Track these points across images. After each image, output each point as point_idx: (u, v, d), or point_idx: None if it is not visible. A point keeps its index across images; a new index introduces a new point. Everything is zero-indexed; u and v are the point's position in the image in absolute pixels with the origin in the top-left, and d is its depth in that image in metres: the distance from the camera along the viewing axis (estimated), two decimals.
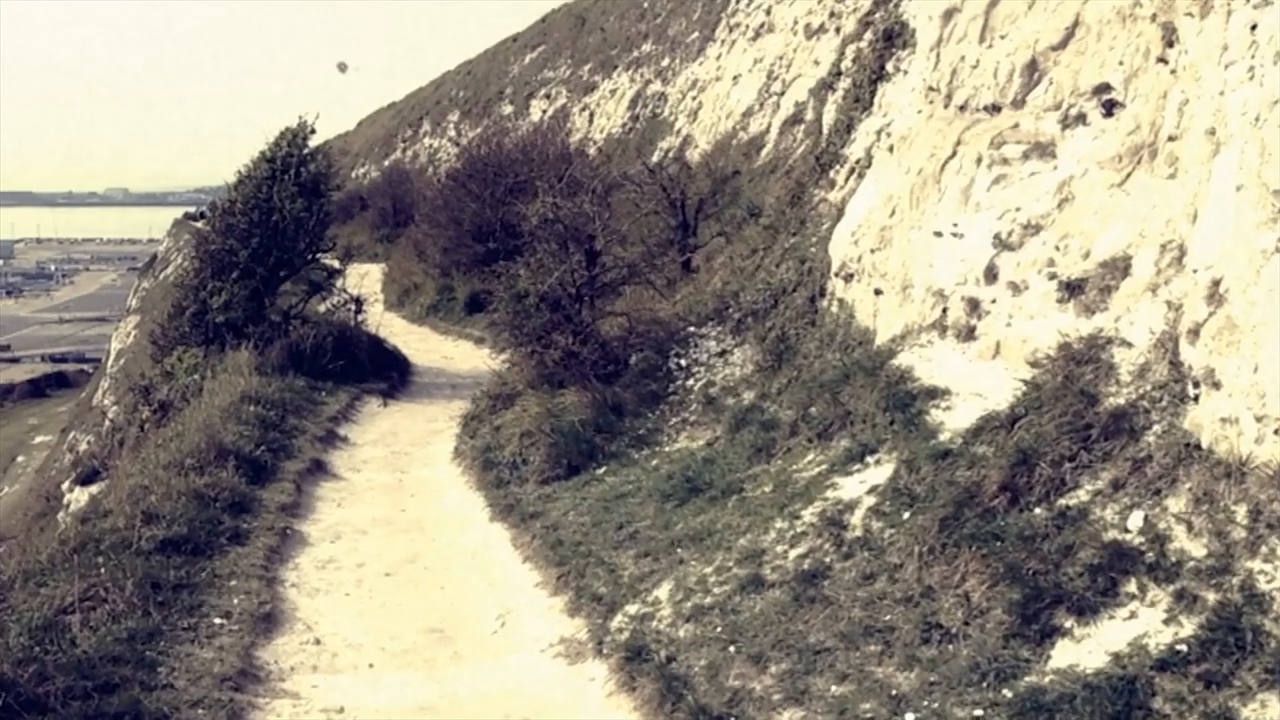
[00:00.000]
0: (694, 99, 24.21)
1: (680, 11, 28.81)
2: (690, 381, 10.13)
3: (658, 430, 9.61)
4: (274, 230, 13.77)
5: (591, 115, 30.48)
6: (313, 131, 13.89)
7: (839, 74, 12.76)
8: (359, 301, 15.27)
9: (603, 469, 9.15)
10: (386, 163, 42.76)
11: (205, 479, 8.69)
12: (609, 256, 10.76)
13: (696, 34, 26.43)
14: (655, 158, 24.98)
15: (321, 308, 15.57)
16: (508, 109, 36.43)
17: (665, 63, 27.78)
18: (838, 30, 18.36)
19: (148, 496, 8.27)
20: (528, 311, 10.22)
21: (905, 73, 10.36)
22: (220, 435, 9.68)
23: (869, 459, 6.69)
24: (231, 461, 9.23)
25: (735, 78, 22.39)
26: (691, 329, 11.09)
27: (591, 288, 10.64)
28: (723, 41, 24.22)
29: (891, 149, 9.12)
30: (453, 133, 39.78)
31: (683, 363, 10.42)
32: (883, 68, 10.66)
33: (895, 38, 10.59)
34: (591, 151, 26.30)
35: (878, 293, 8.58)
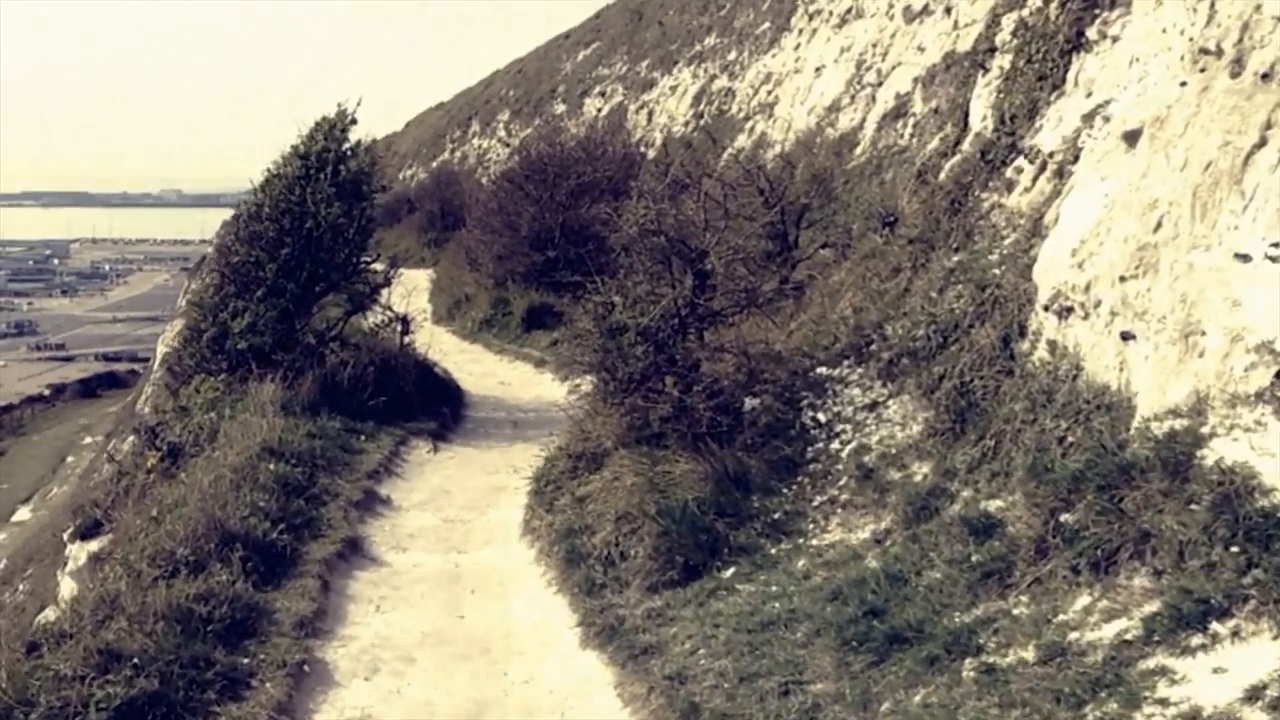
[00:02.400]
0: (769, 93, 21.53)
1: (748, 2, 26.14)
2: (835, 445, 7.50)
3: (799, 513, 7.00)
4: (307, 239, 11.30)
5: (650, 113, 27.89)
6: (353, 122, 11.38)
7: (991, 50, 10.07)
8: (406, 322, 12.74)
9: (730, 570, 6.56)
10: (434, 164, 40.40)
11: (198, 585, 6.20)
12: (721, 277, 8.16)
13: (768, 24, 23.75)
14: (724, 157, 22.41)
15: (366, 323, 13.04)
16: (560, 108, 33.91)
17: (732, 56, 25.13)
18: (948, 11, 15.65)
19: (117, 617, 5.79)
20: (624, 351, 7.63)
21: (1115, 39, 7.68)
22: (226, 514, 7.18)
23: (1218, 626, 4.04)
24: (238, 553, 6.73)
25: (818, 69, 19.69)
26: (822, 370, 8.47)
27: (698, 317, 8.04)
28: (800, 31, 21.53)
29: (1135, 136, 6.45)
30: (503, 133, 37.35)
31: (820, 417, 7.80)
32: (1080, 34, 7.98)
33: None
34: (651, 153, 23.74)
35: (1126, 337, 5.91)
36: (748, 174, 13.00)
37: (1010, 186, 8.17)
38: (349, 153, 11.35)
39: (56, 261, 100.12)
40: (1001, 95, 9.19)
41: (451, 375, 14.15)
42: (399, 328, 12.79)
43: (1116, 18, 7.74)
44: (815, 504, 7.05)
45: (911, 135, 14.69)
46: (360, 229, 11.66)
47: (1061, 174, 7.51)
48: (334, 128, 11.21)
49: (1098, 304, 6.24)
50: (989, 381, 6.95)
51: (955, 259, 8.22)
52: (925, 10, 16.52)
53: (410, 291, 16.03)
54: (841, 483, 7.12)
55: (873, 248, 10.34)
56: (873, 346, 8.37)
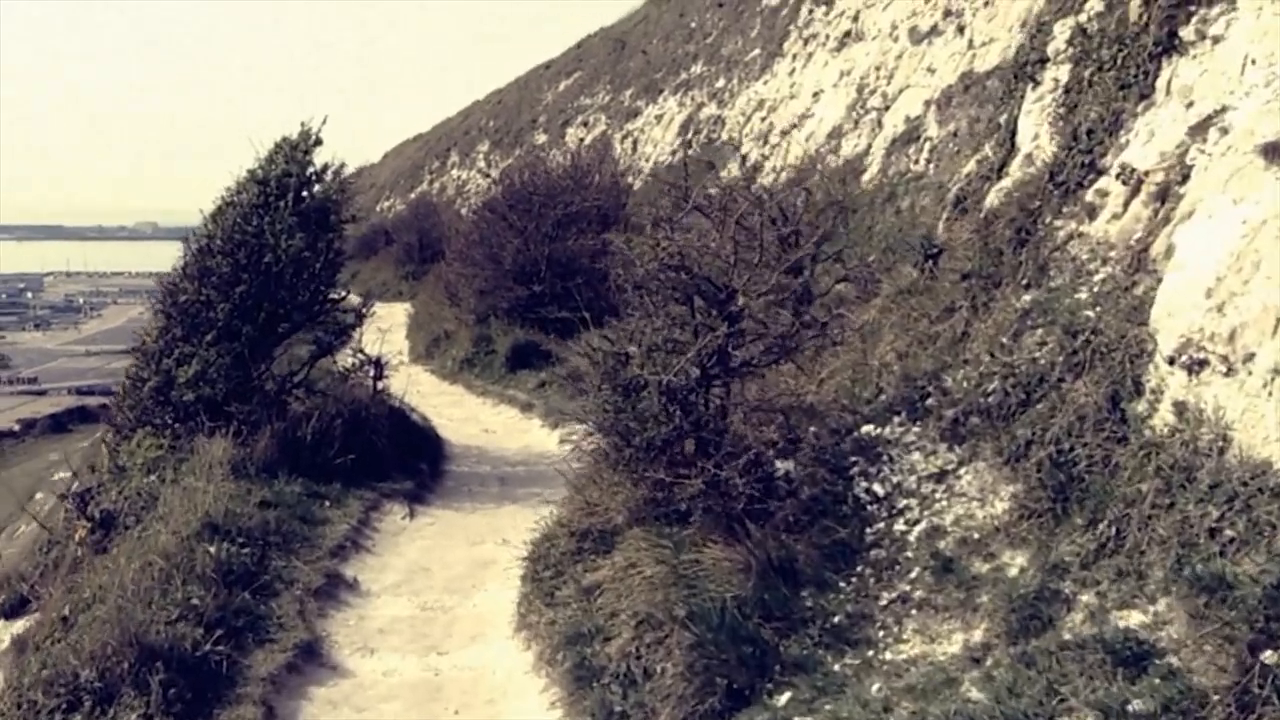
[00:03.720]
0: (762, 120, 20.24)
1: (735, 29, 24.96)
2: (900, 524, 6.04)
3: (864, 616, 5.52)
4: (266, 274, 9.79)
5: (635, 143, 26.61)
6: (318, 143, 9.88)
7: (1042, 62, 8.72)
8: (379, 365, 11.23)
9: (785, 695, 5.06)
10: (412, 195, 38.94)
11: None
12: (749, 320, 6.70)
13: (759, 51, 22.54)
14: (713, 188, 21.06)
15: (336, 366, 11.48)
16: (541, 138, 32.57)
17: (720, 84, 23.89)
18: (961, 30, 14.41)
19: None
20: (642, 413, 6.15)
21: (1217, 39, 6.33)
22: (148, 620, 5.64)
23: None
24: (158, 675, 5.20)
25: (816, 94, 18.44)
26: (868, 429, 7.03)
27: (725, 369, 6.58)
28: (795, 56, 20.30)
29: (1277, 151, 5.08)
30: (482, 164, 35.96)
31: (877, 488, 6.35)
32: (1173, 35, 6.63)
33: None
34: (636, 183, 22.38)
35: None
36: (756, 201, 11.59)
37: (1093, 212, 6.78)
38: (314, 177, 9.86)
39: (30, 295, 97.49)
40: (1066, 110, 7.84)
41: (430, 421, 12.64)
42: (371, 372, 11.28)
43: (1218, 15, 6.41)
44: (883, 603, 5.58)
45: (928, 161, 13.40)
46: (327, 263, 10.16)
47: (1165, 197, 6.13)
48: (296, 149, 9.72)
49: (1249, 357, 4.84)
50: (1095, 450, 5.53)
51: (1028, 298, 6.82)
52: (934, 31, 15.28)
53: (387, 329, 14.49)
54: (913, 575, 5.66)
55: (910, 283, 8.95)
56: (929, 401, 6.95)
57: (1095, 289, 6.28)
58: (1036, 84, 8.70)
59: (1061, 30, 8.57)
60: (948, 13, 15.07)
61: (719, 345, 6.22)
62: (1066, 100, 7.92)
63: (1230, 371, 4.96)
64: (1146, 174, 6.35)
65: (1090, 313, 6.12)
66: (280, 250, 9.54)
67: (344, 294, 10.72)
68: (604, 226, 17.70)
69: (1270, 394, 4.68)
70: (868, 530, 6.06)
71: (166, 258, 11.06)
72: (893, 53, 16.29)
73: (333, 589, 7.24)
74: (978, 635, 5.14)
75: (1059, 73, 8.44)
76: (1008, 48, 13.03)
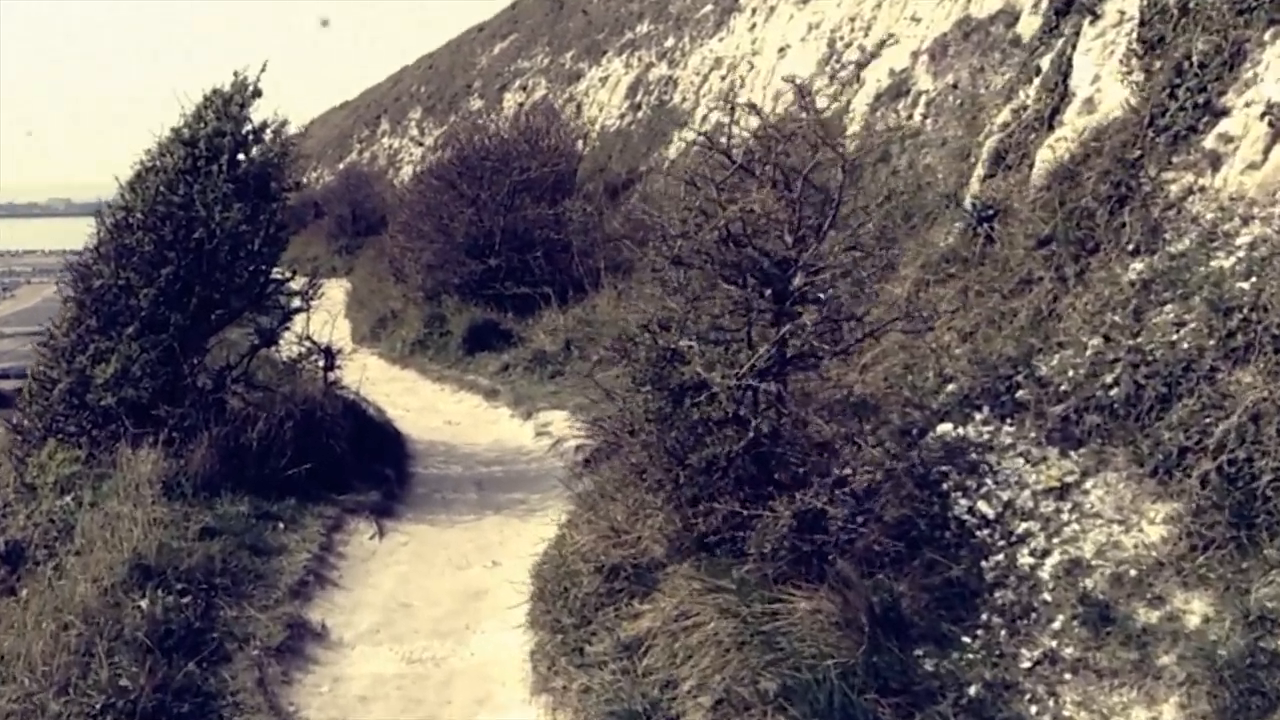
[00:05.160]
0: (723, 79, 18.80)
1: None
2: (1025, 556, 4.73)
3: (1007, 685, 4.22)
4: (197, 253, 8.15)
5: (579, 107, 24.97)
6: (256, 94, 8.20)
7: None
8: (331, 355, 9.66)
9: None
10: (341, 165, 36.79)
11: None
12: (807, 302, 5.31)
13: (711, 6, 21.05)
14: (671, 152, 19.64)
15: (279, 357, 9.84)
16: (477, 104, 30.71)
17: (670, 43, 22.37)
18: None
19: None
20: (698, 424, 4.73)
21: None
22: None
23: None
24: None
25: (781, 50, 17.05)
26: (947, 428, 5.73)
27: (783, 360, 5.19)
28: (754, 10, 18.87)
29: None
30: (415, 131, 34.02)
31: (984, 508, 5.04)
32: None
33: None
34: (582, 147, 20.81)
35: None
36: (711, 145, 10.17)
37: (1217, 161, 5.52)
38: (251, 137, 8.19)
39: None
40: (1146, 46, 6.56)
41: (386, 414, 11.10)
42: (322, 362, 9.69)
43: None
44: (1026, 665, 4.28)
45: (924, 116, 12.11)
46: (269, 238, 8.53)
47: None
48: (229, 103, 8.05)
49: None
50: None
51: (1139, 266, 5.55)
52: None
53: (329, 312, 12.84)
54: (1058, 626, 4.37)
55: (949, 250, 7.66)
56: (1020, 393, 5.65)
57: (1242, 255, 5.03)
58: (1096, 17, 7.41)
59: None
60: None
61: (799, 335, 4.83)
62: (1145, 34, 6.64)
63: None
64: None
65: (1244, 285, 4.86)
66: (214, 224, 7.91)
67: (290, 274, 9.10)
68: (559, 194, 16.22)
69: None
70: (984, 564, 4.75)
71: (81, 234, 9.31)
72: (869, 3, 14.96)
73: (297, 642, 5.75)
74: (1169, 714, 3.87)
75: (1125, 3, 7.16)
76: None
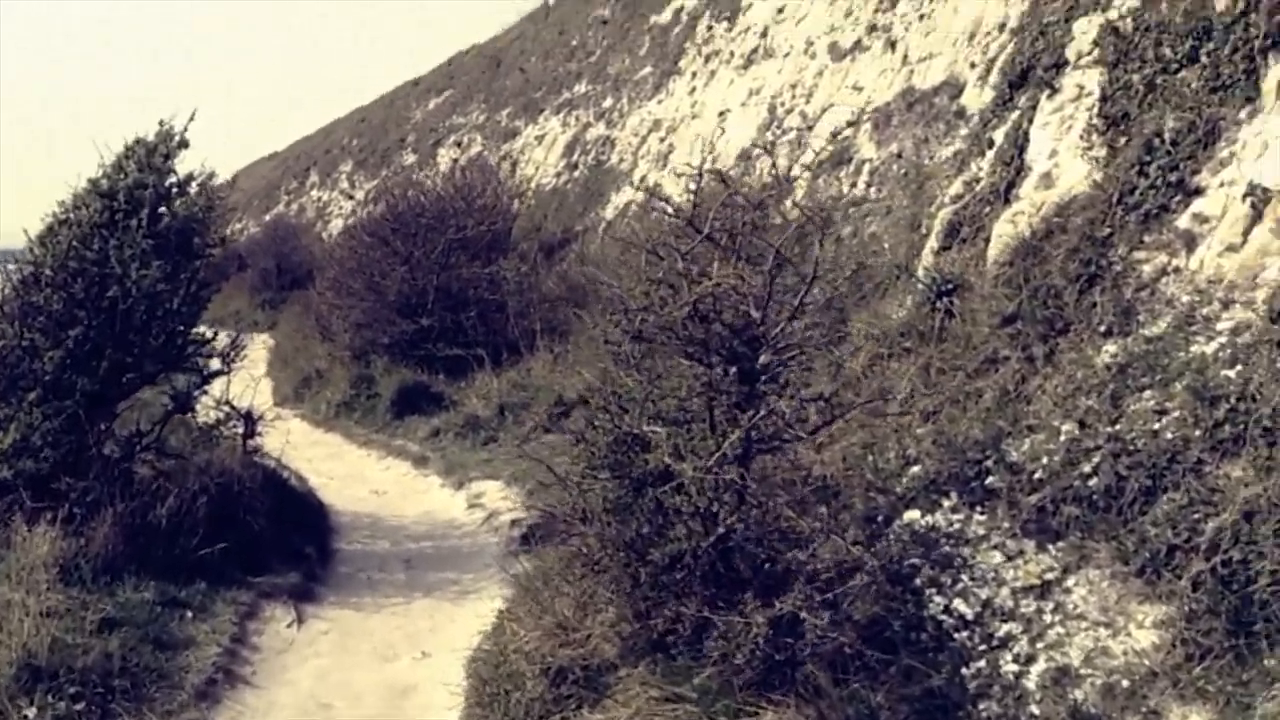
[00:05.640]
0: (661, 141, 18.69)
1: (621, 48, 23.39)
2: (1008, 662, 4.39)
3: None
4: (110, 313, 7.57)
5: (515, 164, 24.70)
6: (183, 146, 7.69)
7: (1057, 66, 7.32)
8: (251, 420, 9.07)
9: None
10: (267, 217, 35.98)
11: None
12: (775, 381, 4.97)
13: (650, 69, 21.02)
14: (609, 213, 19.42)
15: (195, 422, 9.19)
16: (410, 158, 30.32)
17: (608, 103, 22.27)
18: (891, 46, 13.15)
19: None
20: (661, 517, 4.31)
21: None
22: None
23: None
24: None
25: (722, 114, 16.99)
26: (914, 515, 5.41)
27: (749, 445, 4.83)
28: (694, 74, 18.83)
29: None
30: (345, 184, 33.45)
31: (961, 607, 4.70)
32: None
33: None
34: (518, 206, 20.47)
35: None
36: (675, 214, 9.89)
37: (1192, 242, 5.35)
38: (174, 189, 7.67)
39: None
40: (1108, 122, 6.43)
41: (308, 483, 10.50)
42: (241, 429, 9.10)
43: None
44: None
45: (868, 184, 12.01)
46: (190, 297, 7.98)
47: None
48: (153, 154, 7.53)
49: None
50: (1279, 563, 4.03)
51: (1112, 349, 5.33)
52: (858, 47, 14.00)
53: (251, 373, 12.18)
54: None
55: (903, 324, 7.42)
56: (990, 479, 5.37)
57: (1225, 340, 4.82)
58: (1054, 91, 7.31)
59: (1084, 29, 7.21)
60: (873, 28, 13.82)
61: (756, 418, 4.47)
62: (1108, 110, 6.52)
63: None
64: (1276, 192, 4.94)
65: (1230, 372, 4.64)
66: (130, 282, 7.35)
67: (212, 334, 8.52)
68: (494, 253, 15.84)
69: None
70: (965, 672, 4.40)
71: None
72: (810, 70, 14.96)
73: None
74: None
75: (1084, 78, 7.07)
76: (953, 63, 11.81)
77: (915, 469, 5.84)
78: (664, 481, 4.35)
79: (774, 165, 5.77)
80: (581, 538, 4.83)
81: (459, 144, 28.39)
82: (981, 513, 5.27)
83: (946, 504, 5.45)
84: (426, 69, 34.62)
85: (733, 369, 4.78)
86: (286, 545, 8.04)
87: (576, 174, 22.06)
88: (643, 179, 18.71)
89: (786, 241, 6.11)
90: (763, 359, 4.94)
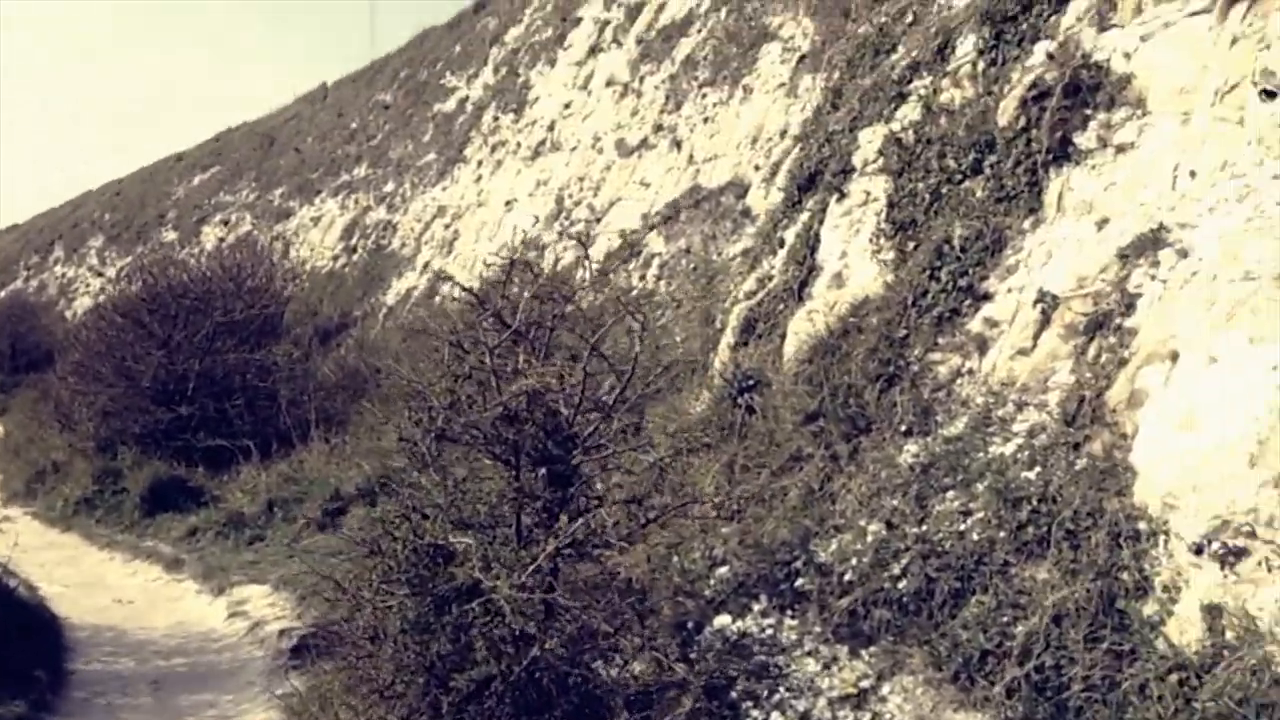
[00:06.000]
0: (446, 227, 18.34)
1: (404, 133, 23.02)
2: None
3: None
4: None
5: (288, 246, 23.65)
6: None
7: (845, 172, 7.54)
8: None
9: None
10: (3, 294, 32.86)
11: None
12: (587, 485, 4.66)
13: (434, 155, 20.73)
14: (391, 298, 18.81)
15: None
16: (171, 235, 28.56)
17: (389, 187, 21.77)
18: (678, 145, 13.44)
19: None
20: (463, 636, 3.86)
21: (1125, 147, 5.32)
22: None
23: None
24: None
25: (509, 203, 16.86)
26: (724, 620, 5.20)
27: (559, 554, 4.47)
28: (481, 162, 18.67)
29: None
30: (95, 261, 31.07)
31: None
32: (1067, 142, 5.57)
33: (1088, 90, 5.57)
34: (292, 289, 19.52)
35: None
36: (482, 306, 9.56)
37: (984, 345, 5.49)
38: None
39: None
40: (895, 227, 6.63)
41: (38, 592, 9.27)
42: None
43: (1124, 120, 5.43)
44: None
45: (657, 278, 12.08)
46: None
47: (1101, 330, 4.91)
48: None
49: None
50: (1092, 669, 4.03)
51: (914, 448, 5.35)
52: (645, 144, 14.25)
53: None
54: None
55: (701, 419, 7.32)
56: (800, 581, 5.24)
57: (1022, 441, 4.91)
58: (843, 196, 7.51)
59: (870, 139, 7.47)
60: (659, 127, 14.11)
61: (573, 528, 4.14)
62: (895, 215, 6.72)
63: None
64: (1063, 300, 5.13)
65: (1029, 474, 4.71)
66: None
67: None
68: (264, 338, 14.90)
69: None
70: None
71: None
72: (598, 164, 15.10)
73: None
74: None
75: (871, 185, 7.30)
76: (738, 164, 12.16)
77: (723, 570, 5.64)
78: (471, 598, 3.92)
79: (586, 257, 5.66)
80: (371, 659, 4.30)
81: (226, 222, 27.01)
82: (793, 617, 5.12)
83: (757, 608, 5.27)
84: (192, 144, 32.90)
85: (543, 471, 4.43)
86: (9, 668, 6.94)
87: (355, 258, 21.33)
88: (427, 264, 18.27)
89: (587, 333, 5.88)
90: (576, 460, 4.63)
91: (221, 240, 25.41)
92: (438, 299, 16.22)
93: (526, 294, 5.41)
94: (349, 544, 4.52)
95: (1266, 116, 4.49)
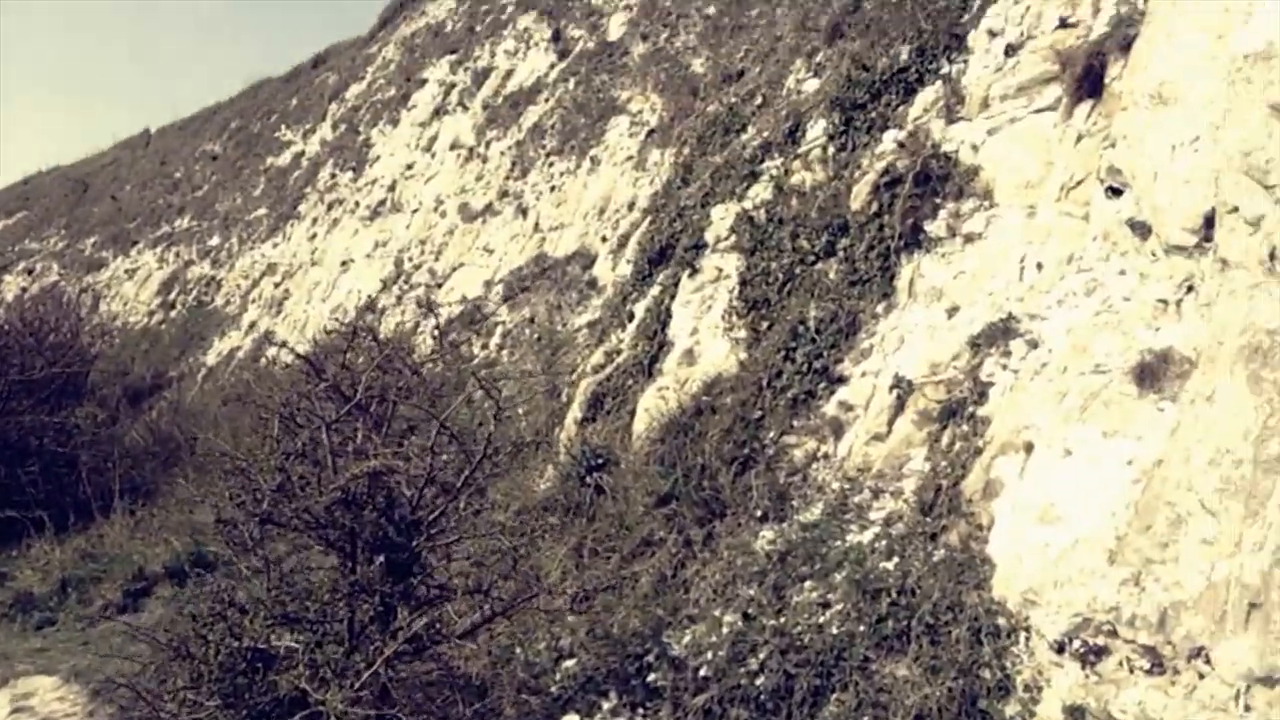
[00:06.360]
0: (276, 286, 17.51)
1: (233, 186, 22.06)
2: None
3: None
4: None
5: (99, 298, 22.18)
6: None
7: (698, 248, 7.46)
8: None
9: None
10: None
11: None
12: (429, 576, 4.26)
13: (265, 210, 19.88)
14: (211, 358, 17.76)
15: None
16: None
17: (215, 241, 20.74)
18: (523, 213, 13.24)
19: None
20: None
21: (974, 237, 5.40)
22: None
23: None
24: None
25: (345, 264, 16.24)
26: None
27: (392, 662, 4.06)
28: (316, 220, 17.99)
29: (1152, 374, 4.00)
30: None
31: None
32: (918, 229, 5.62)
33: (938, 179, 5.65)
34: (100, 345, 18.22)
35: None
36: (319, 375, 9.00)
37: (839, 429, 5.41)
38: None
39: None
40: (747, 305, 6.57)
41: None
42: None
43: (972, 210, 5.51)
44: None
45: (500, 347, 11.75)
46: None
47: (954, 418, 4.89)
48: None
49: (1196, 653, 3.52)
50: None
51: (770, 535, 5.20)
52: (489, 210, 13.98)
53: None
54: None
55: (546, 498, 7.01)
56: (652, 676, 4.96)
57: (879, 530, 4.81)
58: (695, 271, 7.43)
59: (722, 215, 7.43)
60: (505, 193, 13.88)
61: (413, 626, 3.75)
62: (748, 293, 6.67)
63: (1161, 669, 3.62)
64: (918, 385, 5.11)
65: (888, 564, 4.60)
66: None
67: None
68: (67, 398, 13.74)
69: (1247, 708, 3.36)
70: None
71: None
72: (440, 228, 14.72)
73: None
74: None
75: (723, 262, 7.25)
76: (584, 234, 12.04)
77: (570, 663, 5.31)
78: (295, 711, 3.48)
79: (437, 327, 5.31)
80: None
81: (30, 271, 25.17)
82: (645, 715, 4.83)
83: (607, 705, 4.96)
84: None
85: (381, 559, 4.04)
86: None
87: (174, 314, 20.15)
88: (253, 324, 17.37)
89: (431, 406, 5.53)
90: (418, 547, 4.25)
91: (24, 290, 23.59)
92: (264, 361, 15.40)
93: (370, 363, 5.05)
94: (152, 645, 3.96)
95: (1112, 213, 4.60)
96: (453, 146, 15.36)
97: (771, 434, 5.63)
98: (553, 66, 14.45)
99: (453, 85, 16.54)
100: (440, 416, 4.26)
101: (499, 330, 11.83)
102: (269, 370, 13.28)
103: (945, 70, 6.13)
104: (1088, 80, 5.08)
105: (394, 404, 4.46)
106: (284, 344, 7.73)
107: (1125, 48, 4.89)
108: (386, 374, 4.68)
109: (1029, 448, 4.40)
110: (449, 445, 4.38)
